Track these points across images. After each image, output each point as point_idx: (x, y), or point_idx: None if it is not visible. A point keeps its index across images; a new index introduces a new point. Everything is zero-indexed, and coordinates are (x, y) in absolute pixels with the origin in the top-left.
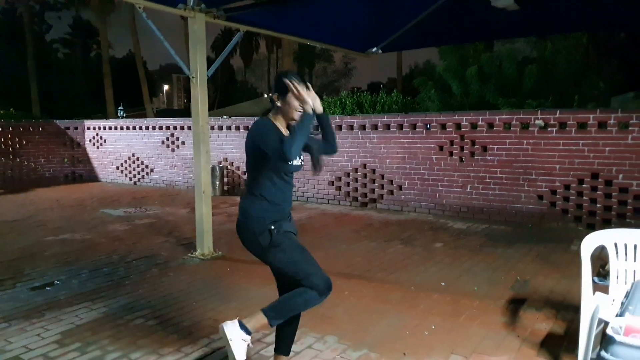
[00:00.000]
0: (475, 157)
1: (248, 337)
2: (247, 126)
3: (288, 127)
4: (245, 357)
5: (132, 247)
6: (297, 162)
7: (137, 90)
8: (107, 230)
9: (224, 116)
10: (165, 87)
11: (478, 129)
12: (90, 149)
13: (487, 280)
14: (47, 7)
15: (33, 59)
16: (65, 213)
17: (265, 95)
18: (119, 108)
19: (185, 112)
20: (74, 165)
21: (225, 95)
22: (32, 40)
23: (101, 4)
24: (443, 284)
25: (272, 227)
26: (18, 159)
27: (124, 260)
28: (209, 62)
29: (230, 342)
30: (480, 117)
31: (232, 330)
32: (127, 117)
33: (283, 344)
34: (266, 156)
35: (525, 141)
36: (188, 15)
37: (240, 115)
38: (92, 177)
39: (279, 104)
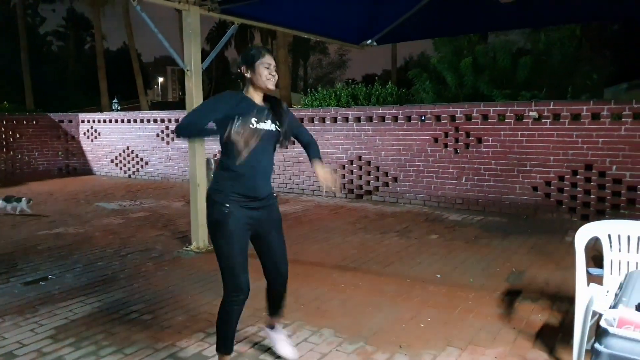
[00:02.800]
0: (470, 149)
1: None
2: None
3: (265, 97)
4: None
5: (127, 241)
6: (263, 125)
7: (131, 83)
8: (102, 224)
9: None
10: (160, 80)
11: (472, 120)
12: (84, 142)
13: (482, 272)
14: None
15: (27, 52)
16: (59, 206)
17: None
18: (114, 101)
19: (180, 104)
20: (68, 158)
21: (220, 88)
22: (26, 33)
23: None
24: (438, 275)
25: (227, 205)
26: (12, 152)
27: (118, 254)
28: (204, 54)
29: None
30: (475, 109)
31: None
32: (121, 109)
33: (271, 306)
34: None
35: (519, 132)
36: (182, 8)
37: None
38: (87, 170)
39: (248, 75)
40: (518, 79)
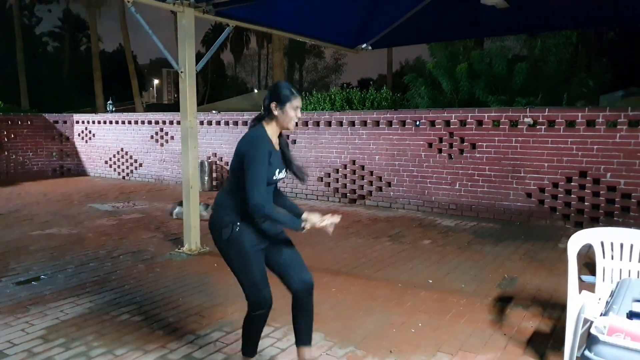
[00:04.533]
0: (464, 155)
1: None
2: (237, 121)
3: (280, 134)
4: None
5: (119, 242)
6: (281, 175)
7: (126, 85)
8: (94, 225)
9: (214, 111)
10: (155, 82)
11: (467, 126)
12: (78, 143)
13: (474, 278)
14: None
15: (22, 52)
16: (52, 207)
17: (256, 93)
18: (108, 102)
19: (175, 106)
20: (62, 159)
21: (215, 90)
22: (22, 33)
23: None
24: (430, 281)
25: (238, 223)
26: (6, 153)
27: (110, 256)
28: (200, 57)
29: None
30: (469, 115)
31: None
32: (116, 111)
33: (299, 334)
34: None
35: (514, 139)
36: (177, 10)
37: (230, 111)
38: (81, 171)
39: (276, 112)
40: (514, 85)
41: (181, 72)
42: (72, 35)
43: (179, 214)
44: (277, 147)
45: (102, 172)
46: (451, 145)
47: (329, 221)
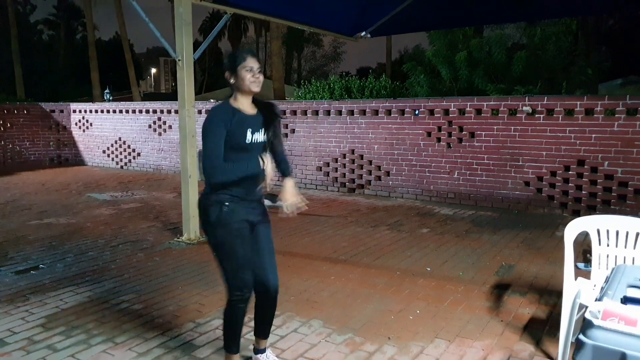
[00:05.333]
0: (463, 143)
1: None
2: None
3: (253, 100)
4: None
5: (118, 232)
6: (257, 136)
7: (123, 74)
8: (93, 215)
9: (211, 100)
10: (153, 70)
11: (466, 114)
12: (76, 132)
13: (472, 266)
14: None
15: (17, 41)
16: (50, 197)
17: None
18: (106, 91)
19: (173, 95)
20: (59, 148)
21: (213, 79)
22: (16, 21)
23: None
24: (428, 269)
25: (227, 204)
26: (2, 142)
27: (109, 245)
28: (197, 45)
29: None
30: (468, 103)
31: None
32: (113, 100)
33: (259, 328)
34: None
35: (512, 127)
36: None
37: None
38: (78, 160)
39: (232, 81)
40: (513, 74)
41: (179, 60)
42: (68, 24)
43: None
44: (250, 111)
45: (100, 162)
46: (450, 134)
47: (292, 204)
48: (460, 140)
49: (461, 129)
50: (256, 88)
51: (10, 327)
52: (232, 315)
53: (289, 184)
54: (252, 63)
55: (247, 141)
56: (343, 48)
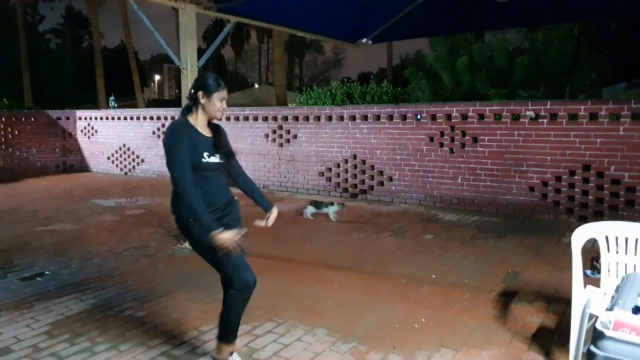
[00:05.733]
0: (466, 148)
1: None
2: (238, 117)
3: (209, 124)
4: None
5: (122, 238)
6: (212, 159)
7: (128, 80)
8: (97, 221)
9: None
10: (157, 77)
11: (469, 120)
12: (81, 139)
13: (477, 273)
14: None
15: (26, 49)
16: (55, 203)
17: (257, 89)
18: (110, 98)
19: (177, 102)
20: (65, 155)
21: None
22: (25, 31)
23: None
24: (433, 276)
25: (191, 220)
26: (10, 149)
27: (113, 251)
28: (200, 52)
29: None
30: (471, 108)
31: None
32: (118, 107)
33: (224, 330)
34: None
35: (516, 132)
36: (178, 7)
37: (231, 106)
38: (83, 167)
39: (202, 101)
40: (515, 78)
41: (183, 68)
42: (75, 32)
43: (307, 214)
44: (206, 133)
45: (104, 168)
46: (453, 139)
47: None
48: (463, 145)
49: (464, 134)
50: (220, 116)
51: (16, 335)
52: (235, 305)
53: (273, 215)
54: (225, 94)
55: (203, 160)
56: (344, 54)
